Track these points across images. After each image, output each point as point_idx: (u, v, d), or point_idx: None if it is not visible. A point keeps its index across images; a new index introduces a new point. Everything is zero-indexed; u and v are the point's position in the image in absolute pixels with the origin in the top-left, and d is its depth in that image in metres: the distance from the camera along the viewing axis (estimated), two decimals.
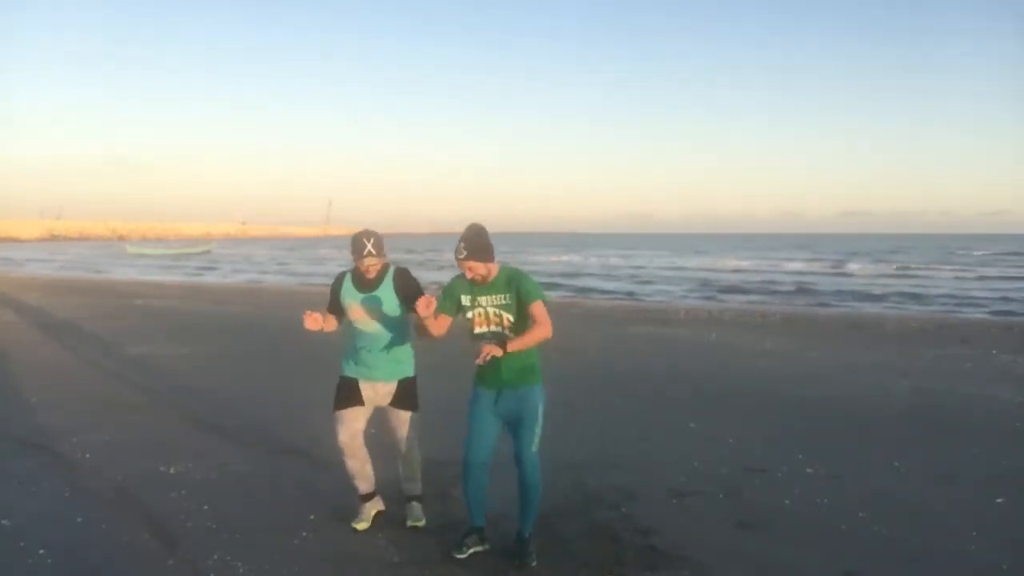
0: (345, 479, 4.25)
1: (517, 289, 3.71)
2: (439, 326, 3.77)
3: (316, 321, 3.94)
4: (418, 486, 4.32)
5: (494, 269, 3.76)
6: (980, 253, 57.57)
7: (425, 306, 3.63)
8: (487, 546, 3.90)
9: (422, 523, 4.23)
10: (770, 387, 8.18)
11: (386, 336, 4.04)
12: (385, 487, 4.37)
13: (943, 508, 4.63)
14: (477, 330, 3.77)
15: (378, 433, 4.46)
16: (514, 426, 3.81)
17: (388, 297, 4.00)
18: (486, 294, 3.74)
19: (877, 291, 25.05)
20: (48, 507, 4.48)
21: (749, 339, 12.03)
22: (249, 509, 4.47)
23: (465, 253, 3.65)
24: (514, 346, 3.61)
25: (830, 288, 26.55)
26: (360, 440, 4.15)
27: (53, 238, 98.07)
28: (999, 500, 4.74)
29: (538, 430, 3.80)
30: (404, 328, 4.11)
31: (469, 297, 3.77)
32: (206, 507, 4.48)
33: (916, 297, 23.07)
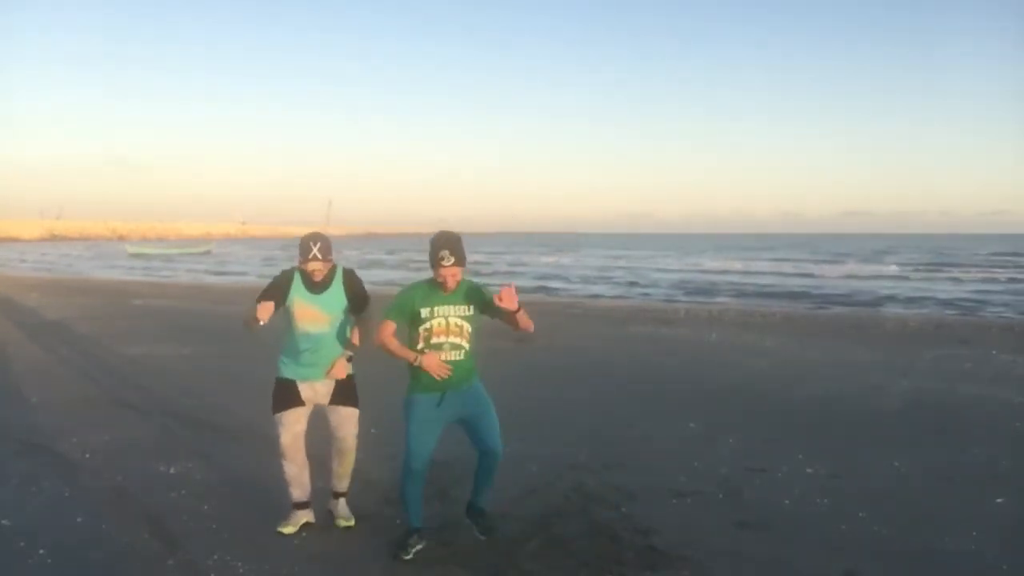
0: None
1: (480, 301, 3.81)
2: (387, 334, 3.75)
3: (269, 310, 3.82)
4: (346, 483, 4.31)
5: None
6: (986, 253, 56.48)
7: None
8: (424, 543, 3.92)
9: (352, 522, 4.22)
10: (770, 387, 8.18)
11: (333, 337, 4.04)
12: (376, 490, 4.36)
13: (943, 508, 4.63)
14: (435, 340, 3.78)
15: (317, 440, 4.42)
16: (475, 421, 3.91)
17: (339, 299, 4.01)
18: (447, 303, 3.77)
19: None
20: (48, 507, 4.48)
21: (749, 339, 12.03)
22: (249, 509, 4.47)
23: (453, 259, 3.67)
24: (524, 315, 3.75)
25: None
26: (301, 443, 4.15)
27: (53, 238, 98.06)
28: (999, 500, 4.74)
29: (496, 417, 3.94)
30: (347, 328, 4.11)
31: (428, 308, 3.76)
32: (206, 507, 4.49)
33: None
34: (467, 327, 3.82)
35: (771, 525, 4.33)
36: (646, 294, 25.10)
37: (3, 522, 4.22)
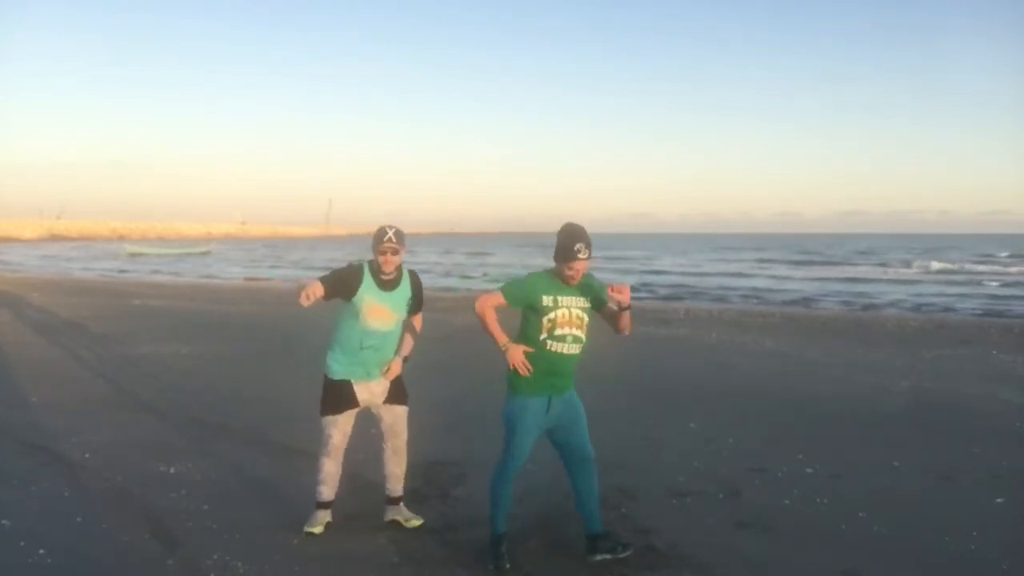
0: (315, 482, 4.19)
1: (596, 294, 3.74)
2: (490, 303, 3.71)
3: (317, 294, 3.77)
4: (402, 486, 4.29)
5: None
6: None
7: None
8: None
9: (420, 521, 4.21)
10: (770, 387, 8.19)
11: (393, 336, 4.06)
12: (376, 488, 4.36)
13: (943, 508, 4.63)
14: (559, 331, 3.67)
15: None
16: (569, 428, 3.82)
17: (406, 298, 4.04)
18: (570, 295, 3.70)
19: None
20: (48, 507, 4.47)
21: (749, 339, 12.03)
22: (249, 509, 4.47)
23: (588, 252, 3.59)
24: (627, 318, 3.71)
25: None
26: (346, 444, 4.15)
27: (53, 238, 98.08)
28: (999, 500, 4.74)
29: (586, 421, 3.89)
30: (402, 328, 4.14)
31: (552, 297, 3.67)
32: (206, 507, 4.48)
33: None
34: (586, 319, 3.73)
35: (771, 525, 4.33)
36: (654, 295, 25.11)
37: (3, 522, 4.21)
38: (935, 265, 39.63)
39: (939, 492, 4.91)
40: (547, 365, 3.68)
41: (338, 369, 4.05)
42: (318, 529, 4.09)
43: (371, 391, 4.09)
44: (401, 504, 4.28)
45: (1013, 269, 37.53)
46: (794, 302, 21.92)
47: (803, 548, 4.03)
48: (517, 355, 3.65)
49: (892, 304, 21.20)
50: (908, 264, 43.11)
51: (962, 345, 11.40)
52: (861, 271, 37.72)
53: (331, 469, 4.13)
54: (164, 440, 5.86)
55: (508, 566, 3.71)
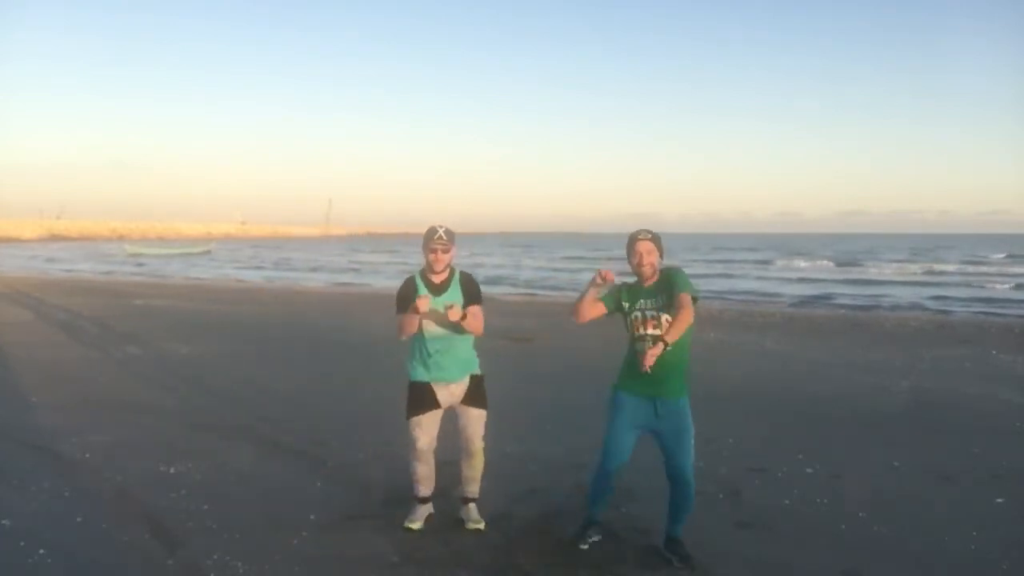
0: (409, 478, 4.25)
1: (670, 286, 3.67)
2: (592, 310, 3.81)
3: (414, 326, 3.94)
4: (478, 488, 4.31)
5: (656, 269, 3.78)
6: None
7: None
8: (601, 536, 4.03)
9: (483, 525, 4.21)
10: (770, 387, 8.19)
11: (458, 337, 4.09)
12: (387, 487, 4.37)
13: (943, 508, 4.63)
14: (638, 332, 3.74)
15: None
16: (671, 439, 3.83)
17: (458, 300, 4.06)
18: (645, 297, 3.75)
19: None
20: (48, 507, 4.47)
21: (749, 339, 12.03)
22: (249, 509, 4.47)
23: (651, 234, 3.76)
24: (671, 336, 3.54)
25: None
26: (435, 445, 4.19)
27: (53, 238, 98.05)
28: (999, 500, 4.74)
29: (692, 441, 3.86)
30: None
31: (628, 302, 3.79)
32: (206, 507, 4.48)
33: None
34: (664, 317, 3.68)
35: (771, 525, 4.34)
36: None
37: (3, 522, 4.22)
38: (936, 267, 39.72)
39: (939, 492, 4.91)
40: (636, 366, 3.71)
41: (417, 373, 4.13)
42: (418, 524, 4.17)
43: (451, 392, 4.14)
44: (470, 505, 4.30)
45: (1012, 270, 37.65)
46: (794, 303, 21.91)
47: (803, 548, 4.03)
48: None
49: (892, 304, 21.21)
50: (908, 264, 43.15)
51: (962, 345, 11.40)
52: (861, 272, 37.79)
53: (423, 471, 4.20)
54: (164, 440, 5.86)
55: (584, 547, 3.91)
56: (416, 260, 50.59)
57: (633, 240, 3.77)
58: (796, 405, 7.33)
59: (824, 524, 4.36)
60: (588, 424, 6.45)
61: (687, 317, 3.54)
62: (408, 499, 4.34)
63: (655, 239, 3.78)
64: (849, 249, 73.74)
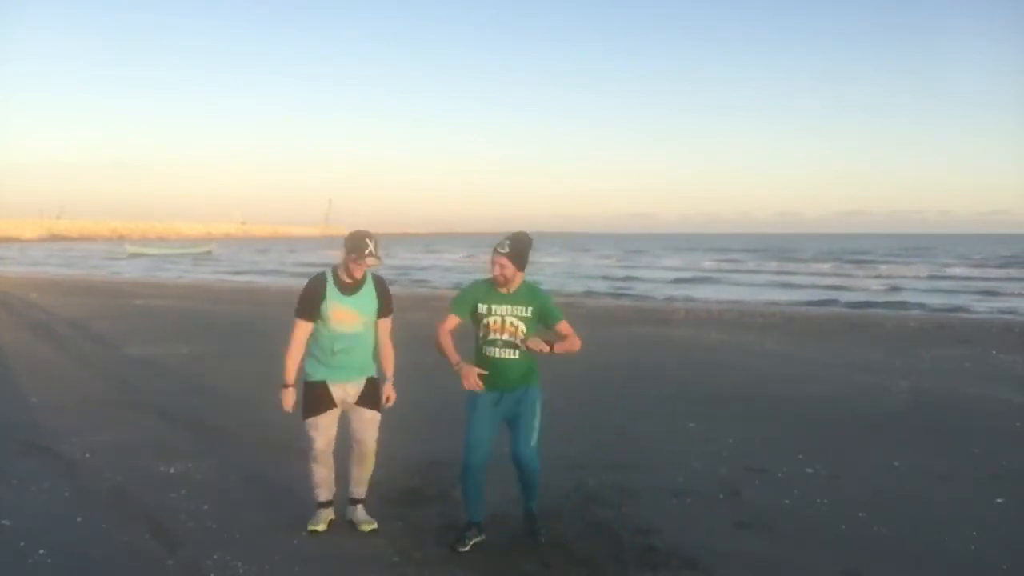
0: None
1: (540, 308, 3.92)
2: (448, 328, 3.92)
3: (291, 399, 4.04)
4: (366, 490, 4.26)
5: (518, 280, 3.91)
6: None
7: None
8: (483, 536, 3.98)
9: (375, 525, 4.18)
10: (770, 387, 8.18)
11: (364, 339, 4.06)
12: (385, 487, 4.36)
13: (943, 508, 4.63)
14: (491, 336, 3.89)
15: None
16: (513, 423, 3.96)
17: (371, 300, 4.04)
18: (505, 303, 3.88)
19: None
20: (48, 507, 4.47)
21: (749, 339, 12.03)
22: (249, 509, 4.47)
23: (507, 250, 3.80)
24: (560, 348, 3.88)
25: None
26: (332, 447, 4.14)
27: (53, 238, 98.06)
28: (999, 500, 4.74)
29: (536, 424, 3.97)
30: (373, 331, 4.13)
31: (486, 305, 3.89)
32: (206, 507, 4.48)
33: None
34: (521, 327, 3.88)
35: (771, 525, 4.33)
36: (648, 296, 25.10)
37: (3, 522, 4.22)
38: (936, 269, 39.67)
39: (939, 492, 4.91)
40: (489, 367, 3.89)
41: (313, 372, 4.08)
42: (321, 527, 4.12)
43: (346, 391, 4.08)
44: (359, 507, 4.24)
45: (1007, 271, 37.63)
46: (793, 304, 21.92)
47: (803, 548, 4.03)
48: (471, 375, 3.80)
49: (892, 304, 21.21)
50: (908, 266, 43.11)
51: (962, 345, 11.40)
52: (861, 274, 37.75)
53: (322, 473, 4.14)
54: (164, 440, 5.86)
55: (464, 549, 3.88)
56: (415, 259, 50.60)
57: (496, 250, 3.84)
58: (796, 405, 7.33)
59: (824, 524, 4.36)
60: (587, 425, 6.46)
61: (577, 345, 3.99)
62: (401, 501, 4.32)
63: (514, 256, 3.82)
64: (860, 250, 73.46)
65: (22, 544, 3.93)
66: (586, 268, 41.78)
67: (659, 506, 4.62)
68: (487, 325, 3.88)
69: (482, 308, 3.89)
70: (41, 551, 3.85)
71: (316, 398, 4.05)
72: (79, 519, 4.29)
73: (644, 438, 6.13)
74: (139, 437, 5.95)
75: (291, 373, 4.02)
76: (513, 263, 3.82)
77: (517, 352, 3.88)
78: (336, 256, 4.21)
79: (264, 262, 47.84)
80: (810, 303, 21.28)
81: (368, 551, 3.92)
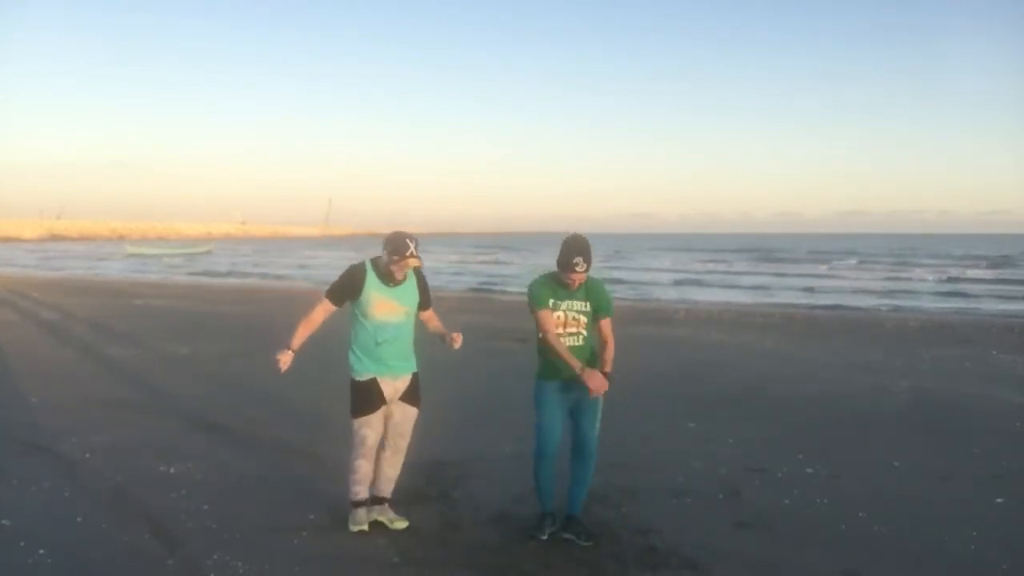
0: (344, 480, 4.22)
1: (596, 303, 4.04)
2: (555, 328, 4.00)
3: (287, 362, 4.06)
4: (393, 487, 4.27)
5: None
6: None
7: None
8: (556, 525, 4.10)
9: (408, 523, 4.18)
10: (770, 387, 8.18)
11: (406, 330, 4.11)
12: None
13: (943, 508, 4.63)
14: (557, 329, 3.98)
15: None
16: (578, 410, 4.06)
17: (413, 293, 4.10)
18: (568, 299, 4.00)
19: None
20: (48, 507, 4.47)
21: (749, 339, 12.03)
22: (249, 509, 4.47)
23: (585, 267, 3.89)
24: (609, 367, 4.05)
25: None
26: (378, 443, 4.16)
27: (53, 238, 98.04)
28: (999, 500, 4.75)
29: (600, 411, 4.09)
30: (413, 323, 4.18)
31: (553, 300, 4.00)
32: (206, 507, 4.48)
33: None
34: (583, 320, 4.02)
35: (771, 525, 4.33)
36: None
37: (3, 522, 4.21)
38: (941, 271, 39.69)
39: (939, 492, 4.91)
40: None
41: (361, 368, 4.07)
42: (366, 527, 4.12)
43: (395, 388, 4.12)
44: (387, 505, 4.25)
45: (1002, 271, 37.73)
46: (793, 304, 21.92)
47: (803, 548, 4.03)
48: (596, 379, 3.89)
49: (892, 305, 21.22)
50: (908, 267, 43.18)
51: (962, 345, 11.40)
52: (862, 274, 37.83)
53: (367, 469, 4.15)
54: (164, 440, 5.86)
55: (543, 537, 4.01)
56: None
57: (570, 266, 3.86)
58: (796, 405, 7.33)
59: (824, 524, 4.36)
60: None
61: (612, 347, 4.09)
62: (395, 502, 4.27)
63: (589, 267, 3.94)
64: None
65: (22, 544, 3.93)
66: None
67: (659, 506, 4.62)
68: (556, 318, 3.98)
69: (550, 303, 3.99)
70: (41, 551, 3.85)
71: (368, 395, 4.06)
72: (79, 519, 4.29)
73: (644, 438, 6.12)
74: (139, 437, 5.95)
75: (298, 340, 4.06)
76: (588, 272, 3.95)
77: (581, 339, 4.00)
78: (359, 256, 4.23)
79: (265, 263, 47.79)
80: (791, 305, 21.28)
81: (368, 551, 3.92)
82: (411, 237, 3.95)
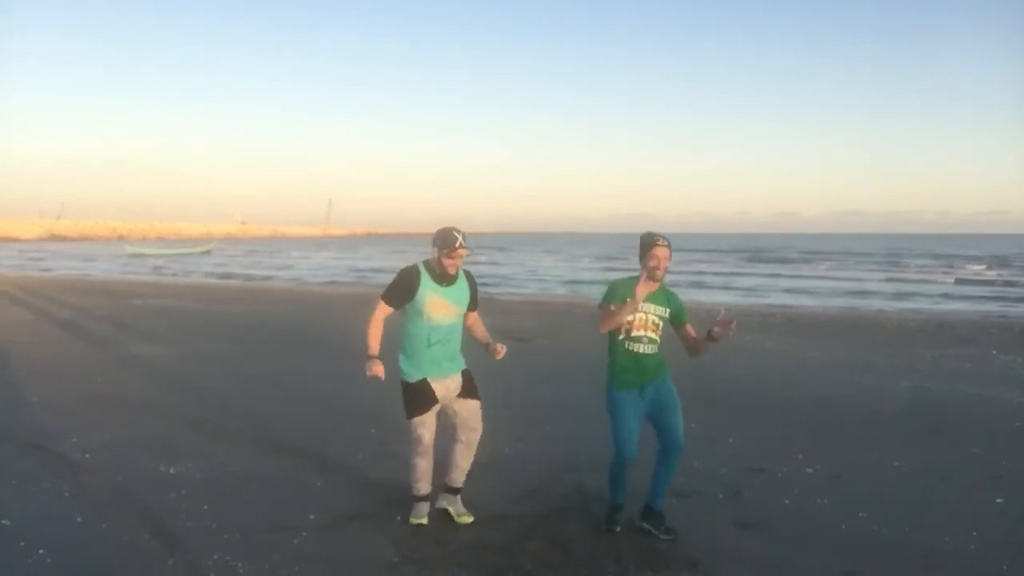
0: (408, 478, 4.27)
1: (676, 309, 4.20)
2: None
3: (381, 369, 4.04)
4: (464, 478, 4.37)
5: None
6: None
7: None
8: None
9: (472, 519, 4.27)
10: (770, 387, 8.18)
11: (456, 331, 4.20)
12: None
13: (943, 508, 4.64)
14: (636, 332, 4.08)
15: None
16: (661, 414, 4.17)
17: (465, 292, 4.19)
18: (648, 302, 4.08)
19: None
20: (48, 507, 4.47)
21: (749, 339, 12.02)
22: (249, 509, 4.47)
23: (667, 240, 4.07)
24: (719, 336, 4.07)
25: None
26: (433, 440, 4.24)
27: (53, 238, 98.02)
28: (999, 500, 4.75)
29: (681, 412, 4.20)
30: (462, 323, 4.27)
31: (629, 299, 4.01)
32: (206, 507, 4.48)
33: None
34: (660, 325, 4.14)
35: (771, 525, 4.34)
36: None
37: (3, 522, 4.21)
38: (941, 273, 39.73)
39: (939, 492, 4.91)
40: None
41: (413, 371, 4.15)
42: (425, 520, 4.22)
43: (447, 387, 4.18)
44: (458, 497, 4.35)
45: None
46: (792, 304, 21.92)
47: (803, 548, 4.03)
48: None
49: (892, 305, 21.21)
50: (907, 268, 43.24)
51: (962, 345, 11.40)
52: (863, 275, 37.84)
53: (425, 466, 4.24)
54: (164, 440, 5.86)
55: (618, 529, 4.16)
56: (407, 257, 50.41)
57: (652, 244, 4.03)
58: (796, 405, 7.33)
59: (824, 524, 4.36)
60: (588, 424, 6.45)
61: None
62: (408, 498, 4.33)
63: (670, 246, 4.07)
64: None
65: (22, 544, 3.93)
66: (562, 269, 41.31)
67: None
68: (631, 322, 4.04)
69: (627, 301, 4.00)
70: (41, 551, 3.85)
71: (421, 397, 4.14)
72: (79, 519, 4.29)
73: (644, 438, 6.11)
74: (139, 437, 5.94)
75: (375, 346, 4.10)
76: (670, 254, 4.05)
77: (655, 347, 4.10)
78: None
79: (265, 263, 47.80)
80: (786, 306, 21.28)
81: (368, 551, 3.92)
82: (457, 230, 4.05)
